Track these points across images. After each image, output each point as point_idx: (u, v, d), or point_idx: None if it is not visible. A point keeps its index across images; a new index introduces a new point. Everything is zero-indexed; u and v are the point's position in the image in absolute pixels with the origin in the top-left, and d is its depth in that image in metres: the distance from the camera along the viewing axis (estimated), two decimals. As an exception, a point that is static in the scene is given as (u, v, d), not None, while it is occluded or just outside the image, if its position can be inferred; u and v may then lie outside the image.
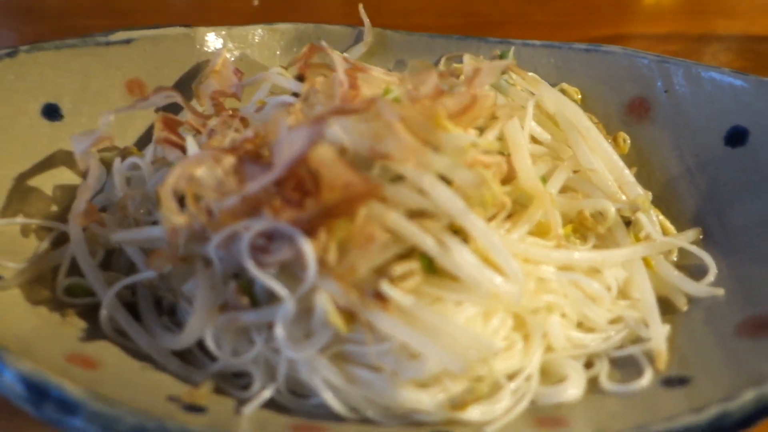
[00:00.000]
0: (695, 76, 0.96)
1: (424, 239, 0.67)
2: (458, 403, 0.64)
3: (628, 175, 0.86)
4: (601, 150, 0.86)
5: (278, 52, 1.04)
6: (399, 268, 0.66)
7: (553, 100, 0.89)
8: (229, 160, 0.70)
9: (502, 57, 1.03)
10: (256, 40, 1.03)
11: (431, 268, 0.69)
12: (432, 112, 0.72)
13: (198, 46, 1.00)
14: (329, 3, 1.57)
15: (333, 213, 0.64)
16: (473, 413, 0.65)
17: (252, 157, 0.72)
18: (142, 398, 0.63)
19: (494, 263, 0.69)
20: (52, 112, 0.89)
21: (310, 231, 0.65)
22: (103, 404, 0.58)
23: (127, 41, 0.96)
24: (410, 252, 0.69)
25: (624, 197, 0.84)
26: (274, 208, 0.65)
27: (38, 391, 0.58)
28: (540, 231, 0.78)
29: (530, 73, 0.93)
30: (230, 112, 0.81)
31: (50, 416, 0.58)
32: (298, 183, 0.67)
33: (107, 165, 0.90)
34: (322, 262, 0.64)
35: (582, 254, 0.75)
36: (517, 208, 0.79)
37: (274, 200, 0.65)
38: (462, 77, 0.76)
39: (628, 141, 0.96)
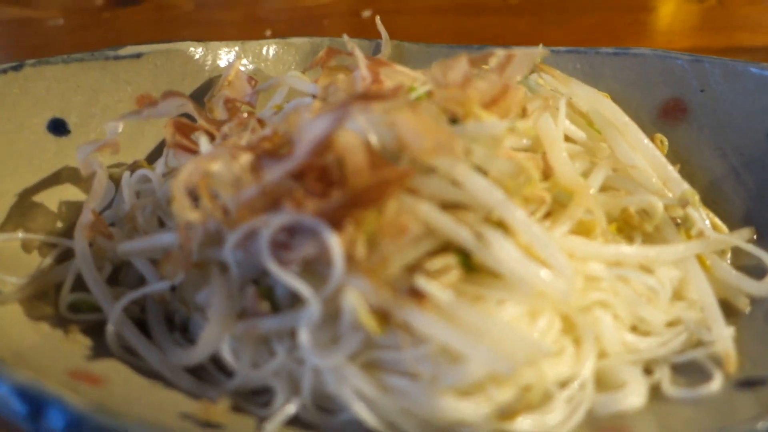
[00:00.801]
0: (733, 73, 0.92)
1: (461, 232, 0.61)
2: (507, 413, 0.57)
3: (672, 171, 0.80)
4: (641, 146, 0.81)
5: (293, 67, 1.00)
6: (435, 263, 0.60)
7: (586, 97, 0.84)
8: (246, 158, 0.65)
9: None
10: (271, 55, 1.00)
11: (468, 264, 0.62)
12: (462, 99, 0.67)
13: (210, 61, 0.97)
14: (338, 22, 1.56)
15: (361, 203, 0.58)
16: (524, 425, 0.58)
17: (270, 154, 0.66)
18: (153, 415, 0.56)
19: (538, 258, 0.62)
20: (58, 127, 0.85)
21: (335, 224, 0.59)
22: (108, 417, 0.51)
23: (137, 56, 0.92)
24: (444, 248, 0.63)
25: (670, 195, 0.78)
26: (296, 199, 0.59)
27: (35, 404, 0.52)
28: (582, 230, 0.72)
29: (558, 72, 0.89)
30: (245, 114, 0.76)
31: (48, 432, 0.51)
32: (322, 173, 0.61)
33: (116, 181, 0.86)
34: (349, 258, 0.58)
35: (633, 250, 0.69)
36: (556, 207, 0.73)
37: (296, 192, 0.60)
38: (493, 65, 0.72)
39: (666, 143, 0.91)
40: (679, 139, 0.93)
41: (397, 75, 0.76)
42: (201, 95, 0.95)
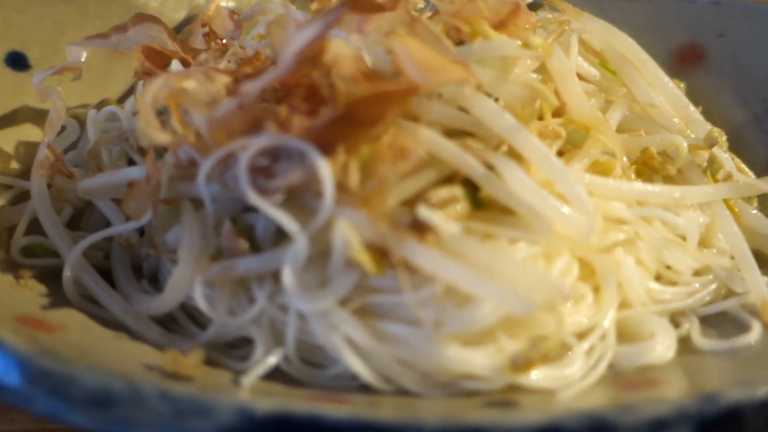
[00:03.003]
0: (755, 15, 0.85)
1: (468, 161, 0.54)
2: (520, 365, 0.50)
3: (694, 111, 0.73)
4: (661, 84, 0.73)
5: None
6: (439, 193, 0.52)
7: (600, 32, 0.76)
8: (223, 79, 0.57)
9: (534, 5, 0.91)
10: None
11: (475, 199, 0.55)
12: (469, 16, 0.59)
13: (188, -3, 0.89)
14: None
15: (356, 121, 0.50)
16: (540, 378, 0.51)
17: (251, 78, 0.59)
18: (111, 364, 0.49)
19: (555, 192, 0.55)
20: (17, 61, 0.77)
21: (325, 147, 0.51)
22: (56, 362, 0.43)
23: (109, -12, 0.84)
24: (448, 180, 0.55)
25: (693, 136, 0.71)
26: (280, 118, 0.51)
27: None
28: (600, 171, 0.64)
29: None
30: (223, 41, 0.68)
31: (-15, 381, 0.43)
32: (310, 92, 0.53)
33: (81, 122, 0.77)
34: (341, 186, 0.51)
35: (657, 189, 0.62)
36: (568, 148, 0.66)
37: (280, 110, 0.52)
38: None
39: (683, 87, 0.84)
40: (697, 87, 0.86)
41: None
42: (178, 33, 0.86)
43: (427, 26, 0.54)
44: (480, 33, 0.59)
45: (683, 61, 0.89)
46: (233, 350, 0.56)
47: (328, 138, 0.51)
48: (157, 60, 0.68)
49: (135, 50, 0.66)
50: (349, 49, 0.52)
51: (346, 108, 0.48)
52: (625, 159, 0.63)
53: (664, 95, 0.73)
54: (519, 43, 0.58)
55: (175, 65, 0.63)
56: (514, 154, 0.56)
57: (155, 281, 0.63)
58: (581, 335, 0.55)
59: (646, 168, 0.68)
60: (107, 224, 0.67)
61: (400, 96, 0.49)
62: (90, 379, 0.43)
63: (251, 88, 0.51)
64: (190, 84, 0.55)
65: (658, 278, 0.61)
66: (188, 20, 0.89)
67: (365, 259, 0.49)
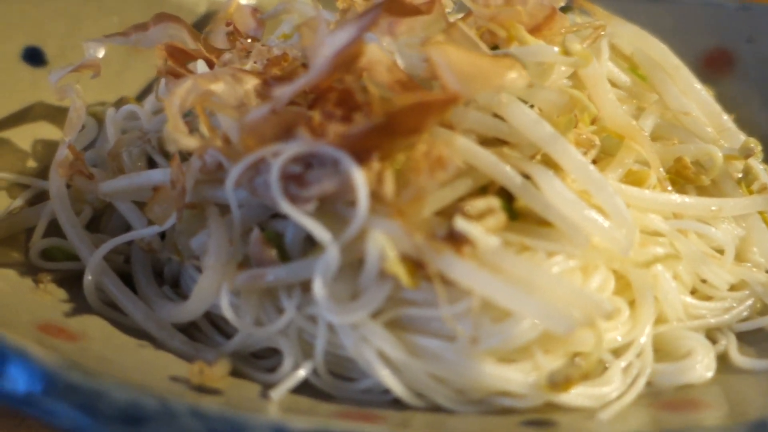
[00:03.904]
0: (787, 21, 0.83)
1: (504, 170, 0.52)
2: (560, 382, 0.48)
3: (728, 120, 0.71)
4: (693, 92, 0.72)
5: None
6: (476, 204, 0.50)
7: (631, 37, 0.75)
8: (252, 81, 0.55)
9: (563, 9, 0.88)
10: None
11: (511, 210, 0.53)
12: (505, 20, 0.57)
13: (208, -7, 0.87)
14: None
15: (395, 131, 0.48)
16: (578, 397, 0.49)
17: (280, 81, 0.57)
18: (138, 376, 0.47)
19: (594, 204, 0.53)
20: (34, 56, 0.75)
21: (359, 156, 0.49)
22: (83, 375, 0.42)
23: (127, -18, 0.82)
24: (482, 191, 0.54)
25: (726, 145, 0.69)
26: (313, 124, 0.50)
27: (-7, 357, 0.42)
28: (633, 180, 0.63)
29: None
30: (248, 41, 0.67)
31: (10, 394, 0.42)
32: (343, 97, 0.52)
33: (99, 120, 0.76)
34: (376, 196, 0.49)
35: (693, 201, 0.60)
36: (601, 156, 0.64)
37: (313, 115, 0.50)
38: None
39: (712, 94, 0.82)
40: (725, 93, 0.85)
41: None
42: (198, 31, 0.84)
43: (465, 31, 0.52)
44: (516, 38, 0.57)
45: (711, 67, 0.87)
46: (259, 360, 0.55)
47: (362, 146, 0.49)
48: (180, 58, 0.66)
49: (158, 48, 0.64)
50: (384, 53, 0.50)
51: (386, 117, 0.47)
52: (660, 166, 0.62)
53: (697, 103, 0.71)
54: (557, 49, 0.56)
55: (201, 66, 0.61)
56: (550, 164, 0.55)
57: (176, 286, 0.62)
58: (617, 352, 0.53)
59: (680, 178, 0.66)
60: (127, 227, 0.65)
61: (441, 106, 0.47)
62: (119, 394, 0.41)
63: (284, 93, 0.49)
64: (218, 86, 0.53)
65: (692, 292, 0.60)
66: (208, 16, 0.87)
67: (401, 272, 0.48)
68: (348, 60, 0.48)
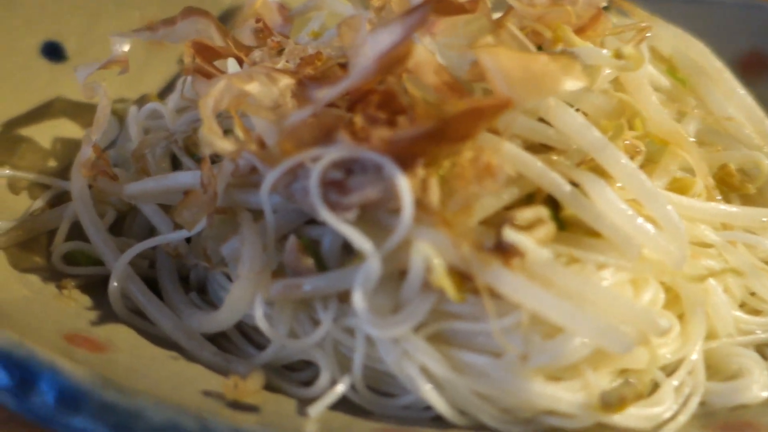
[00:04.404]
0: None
1: (553, 178, 0.50)
2: (614, 403, 0.46)
3: (771, 126, 0.69)
4: (736, 96, 0.69)
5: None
6: (525, 213, 0.48)
7: (671, 38, 0.72)
8: (286, 81, 0.53)
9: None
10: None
11: (558, 220, 0.51)
12: (552, 21, 0.55)
13: (231, -13, 0.85)
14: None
15: (442, 136, 0.46)
16: (630, 417, 0.47)
17: (315, 80, 0.54)
18: (170, 391, 0.45)
19: (645, 214, 0.51)
20: (53, 52, 0.72)
21: (403, 162, 0.47)
22: (118, 394, 0.40)
23: (148, -24, 0.80)
24: (527, 200, 0.52)
25: (772, 152, 0.67)
26: (355, 128, 0.47)
27: (23, 373, 0.40)
28: (677, 188, 0.60)
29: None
30: (278, 38, 0.64)
31: (41, 411, 0.40)
32: (385, 99, 0.49)
33: (120, 118, 0.73)
34: (419, 204, 0.47)
35: (742, 211, 0.58)
36: (645, 163, 0.61)
37: (356, 119, 0.48)
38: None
39: (751, 99, 0.80)
40: (763, 97, 0.82)
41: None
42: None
43: (514, 33, 0.50)
44: (562, 39, 0.55)
45: (748, 70, 0.85)
46: (292, 373, 0.53)
47: (407, 151, 0.47)
48: (208, 56, 0.63)
49: (185, 45, 0.62)
50: (430, 55, 0.48)
51: (437, 123, 0.44)
52: (708, 174, 0.60)
53: (740, 108, 0.69)
54: (607, 51, 0.53)
55: (232, 65, 0.58)
56: (598, 171, 0.53)
57: (203, 292, 0.60)
58: (667, 369, 0.51)
59: (724, 186, 0.64)
60: (151, 230, 0.63)
61: (493, 112, 0.45)
62: (156, 413, 0.39)
63: (325, 96, 0.47)
64: (252, 87, 0.51)
65: (741, 306, 0.58)
66: (231, 11, 0.84)
67: (448, 285, 0.46)
68: (395, 61, 0.46)
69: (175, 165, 0.67)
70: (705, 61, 0.71)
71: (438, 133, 0.45)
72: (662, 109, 0.61)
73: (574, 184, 0.51)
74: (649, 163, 0.61)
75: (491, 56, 0.47)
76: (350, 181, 0.47)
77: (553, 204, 0.51)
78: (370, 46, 0.49)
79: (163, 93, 0.79)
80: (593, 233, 0.51)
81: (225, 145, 0.48)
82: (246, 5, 0.81)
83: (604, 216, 0.50)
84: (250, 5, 0.79)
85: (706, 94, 0.69)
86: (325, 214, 0.47)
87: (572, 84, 0.47)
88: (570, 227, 0.51)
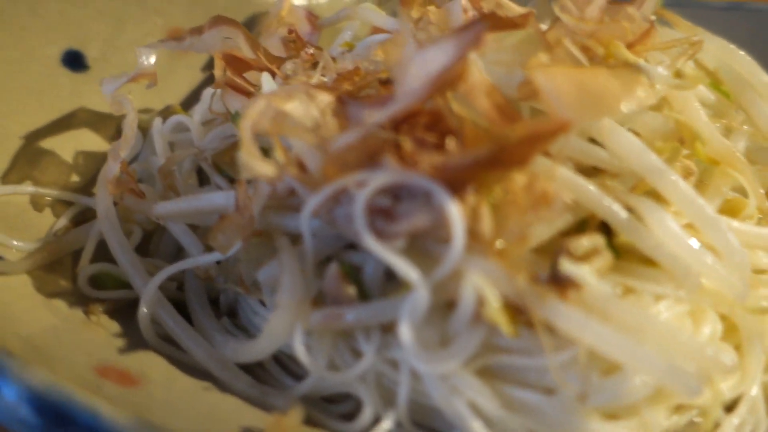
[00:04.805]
0: None
1: (609, 204, 0.47)
2: (673, 443, 0.44)
3: (823, 145, 0.66)
4: (786, 112, 0.67)
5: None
6: (581, 242, 0.46)
7: (716, 50, 0.69)
8: (325, 98, 0.50)
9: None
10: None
11: (612, 247, 0.49)
12: (604, 37, 0.52)
13: (257, -8, 0.82)
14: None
15: (497, 163, 0.43)
16: (691, 459, 0.45)
17: (355, 97, 0.52)
18: (208, 429, 0.42)
19: (704, 242, 0.49)
20: (74, 61, 0.70)
21: (453, 188, 0.44)
22: (157, 438, 0.37)
23: (171, -19, 0.77)
24: (582, 224, 0.49)
25: (822, 172, 0.64)
26: (402, 152, 0.45)
27: (56, 415, 0.37)
28: (728, 210, 0.58)
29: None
30: (312, 50, 0.62)
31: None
32: (433, 120, 0.47)
33: (143, 129, 0.71)
34: (470, 233, 0.44)
35: (801, 236, 0.55)
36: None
37: (404, 142, 0.45)
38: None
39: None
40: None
41: (503, 10, 0.62)
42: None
43: (570, 50, 0.47)
44: (614, 55, 0.52)
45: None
46: (331, 405, 0.50)
47: (458, 177, 0.44)
48: (238, 67, 0.61)
49: (216, 57, 0.60)
50: (483, 75, 0.45)
51: (494, 150, 0.42)
52: (762, 195, 0.57)
53: (789, 124, 0.66)
54: (662, 69, 0.51)
55: (267, 82, 0.55)
56: (653, 195, 0.50)
57: (233, 315, 0.57)
58: (727, 405, 0.49)
59: (773, 208, 0.61)
60: (179, 249, 0.61)
61: (549, 137, 0.42)
62: (199, 460, 0.37)
63: (374, 119, 0.44)
64: (292, 106, 0.48)
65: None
66: (255, 17, 0.82)
67: (502, 321, 0.43)
68: (448, 83, 0.43)
69: (202, 180, 0.65)
70: (752, 74, 0.68)
71: (493, 159, 0.42)
72: (713, 128, 0.59)
73: (628, 210, 0.48)
74: (699, 184, 0.59)
75: (546, 76, 0.45)
76: (398, 208, 0.45)
77: (605, 230, 0.49)
78: (419, 65, 0.46)
79: (187, 101, 0.77)
80: (648, 262, 0.49)
81: (266, 170, 0.45)
82: (272, 12, 0.78)
83: (662, 244, 0.47)
84: (277, 12, 0.77)
85: (752, 109, 0.66)
86: (371, 243, 0.45)
87: (636, 102, 0.44)
88: (624, 255, 0.49)
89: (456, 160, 0.43)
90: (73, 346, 0.47)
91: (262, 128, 0.47)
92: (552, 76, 0.44)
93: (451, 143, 0.45)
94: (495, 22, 0.47)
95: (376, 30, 0.75)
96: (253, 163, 0.45)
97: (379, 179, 0.45)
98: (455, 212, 0.44)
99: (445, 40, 0.46)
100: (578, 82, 0.44)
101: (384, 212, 0.45)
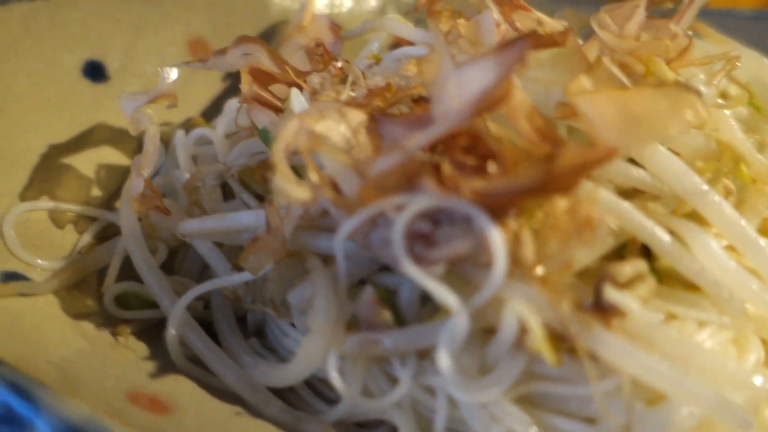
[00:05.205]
0: None
1: (653, 229, 0.46)
2: (721, 476, 0.43)
3: None
4: (819, 126, 0.65)
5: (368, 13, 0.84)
6: (625, 269, 0.44)
7: (749, 64, 0.68)
8: (358, 118, 0.49)
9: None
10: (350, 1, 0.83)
11: (654, 271, 0.47)
12: (643, 55, 0.51)
13: (277, 1, 0.80)
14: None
15: (543, 189, 0.42)
16: (737, 492, 0.44)
17: (387, 114, 0.51)
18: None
19: (747, 266, 0.47)
20: (95, 71, 0.69)
21: (494, 213, 0.43)
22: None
23: (191, -11, 0.76)
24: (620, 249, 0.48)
25: None
26: (442, 175, 0.44)
27: (95, 452, 0.36)
28: (764, 230, 0.57)
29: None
30: (339, 64, 0.60)
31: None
32: (472, 142, 0.46)
33: (164, 142, 0.70)
34: (513, 259, 0.43)
35: None
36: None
37: (443, 165, 0.44)
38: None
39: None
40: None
41: (533, 23, 0.60)
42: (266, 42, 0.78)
43: (611, 70, 0.46)
44: (654, 73, 0.51)
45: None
46: (365, 431, 0.49)
47: (499, 201, 0.43)
48: (264, 81, 0.60)
49: (242, 71, 0.58)
50: (525, 96, 0.44)
51: (542, 178, 0.40)
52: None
53: (823, 139, 0.65)
54: (706, 88, 0.50)
55: (296, 98, 0.54)
56: (695, 217, 0.49)
57: (260, 335, 0.56)
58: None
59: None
60: (204, 266, 0.60)
61: (596, 164, 0.41)
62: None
63: (416, 143, 0.43)
64: (325, 126, 0.47)
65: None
66: (276, 26, 0.81)
67: (547, 350, 0.42)
68: (491, 104, 0.42)
69: (226, 194, 0.64)
70: (785, 87, 0.67)
71: (539, 187, 0.41)
72: (749, 145, 0.57)
73: (670, 233, 0.47)
74: (738, 204, 0.57)
75: (590, 103, 0.43)
76: (437, 233, 0.44)
77: (646, 253, 0.48)
78: (457, 85, 0.45)
79: (208, 111, 0.75)
80: (690, 286, 0.48)
81: (302, 195, 0.44)
82: (293, 20, 0.77)
83: (705, 269, 0.46)
84: (298, 21, 0.76)
85: (785, 123, 0.65)
86: (411, 269, 0.43)
87: (685, 125, 0.43)
88: (665, 279, 0.48)
89: (499, 186, 0.42)
90: (103, 371, 0.46)
91: (295, 148, 0.46)
92: (596, 103, 0.43)
93: (492, 167, 0.44)
94: (535, 39, 0.46)
95: (399, 40, 0.74)
96: (288, 188, 0.44)
97: (418, 203, 0.44)
98: (497, 238, 0.42)
99: (485, 59, 0.44)
100: (623, 106, 0.43)
101: (423, 237, 0.44)
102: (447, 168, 0.44)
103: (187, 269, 0.60)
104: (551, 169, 0.41)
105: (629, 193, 0.50)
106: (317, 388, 0.51)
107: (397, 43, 0.78)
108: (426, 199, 0.44)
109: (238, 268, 0.54)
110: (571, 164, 0.40)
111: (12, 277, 0.51)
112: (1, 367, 0.39)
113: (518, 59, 0.42)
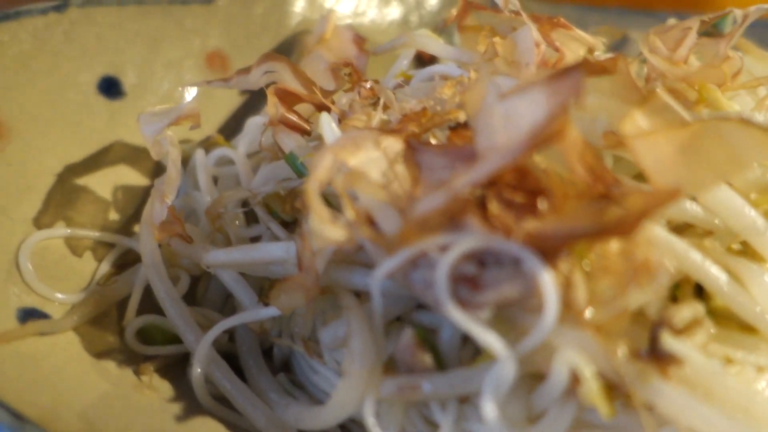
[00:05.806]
0: None
1: (711, 270, 0.44)
2: None
3: None
4: None
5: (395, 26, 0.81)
6: (682, 313, 0.42)
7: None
8: (394, 146, 0.46)
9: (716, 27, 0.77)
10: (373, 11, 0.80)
11: (709, 312, 0.45)
12: (696, 80, 0.48)
13: (298, 11, 0.77)
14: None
15: (599, 233, 0.39)
16: None
17: (423, 142, 0.48)
18: None
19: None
20: (111, 87, 0.66)
21: (544, 254, 0.41)
22: None
23: (209, 1, 0.73)
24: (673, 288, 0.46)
25: None
26: (489, 214, 0.41)
27: None
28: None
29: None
30: (369, 84, 0.58)
31: None
32: (519, 178, 0.43)
33: (183, 160, 0.67)
34: (565, 303, 0.41)
35: None
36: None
37: (490, 204, 0.42)
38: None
39: None
40: None
41: (573, 41, 0.58)
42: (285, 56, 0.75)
43: (666, 102, 0.43)
44: (707, 100, 0.49)
45: None
46: (400, 477, 0.47)
47: (551, 243, 0.41)
48: (290, 101, 0.57)
49: (269, 93, 0.55)
50: (578, 131, 0.41)
51: (598, 223, 0.38)
52: None
53: None
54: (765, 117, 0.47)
55: (327, 125, 0.51)
56: (750, 254, 0.47)
57: (287, 369, 0.54)
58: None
59: None
60: (228, 296, 0.57)
61: (657, 209, 0.38)
62: None
63: (464, 182, 0.40)
64: (360, 158, 0.44)
65: None
66: (296, 37, 0.78)
67: (601, 402, 0.40)
68: (546, 141, 0.40)
69: (248, 217, 0.61)
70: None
71: (597, 231, 0.39)
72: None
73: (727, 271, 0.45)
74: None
75: (647, 145, 0.41)
76: (484, 276, 0.41)
77: (699, 292, 0.46)
78: (504, 117, 0.42)
79: (227, 126, 0.73)
80: (747, 328, 0.45)
81: (338, 235, 0.42)
82: (315, 32, 0.74)
83: (765, 310, 0.44)
84: (320, 33, 0.73)
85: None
86: (455, 313, 0.41)
87: (752, 163, 0.41)
88: (721, 321, 0.45)
89: (553, 229, 0.39)
90: (127, 417, 0.44)
91: (329, 185, 0.43)
92: (654, 145, 0.40)
93: (542, 205, 0.42)
94: (587, 67, 0.43)
95: (423, 53, 0.71)
96: (323, 228, 0.42)
97: (464, 244, 0.41)
98: (549, 282, 0.40)
99: (536, 89, 0.42)
100: (684, 148, 0.40)
101: (468, 280, 0.41)
102: (494, 207, 0.41)
103: (210, 299, 0.57)
104: (608, 211, 0.38)
105: (680, 228, 0.47)
106: (351, 430, 0.49)
107: (420, 56, 0.75)
108: (472, 239, 0.41)
109: (263, 299, 0.52)
110: (632, 208, 0.38)
111: (30, 314, 0.48)
112: (26, 428, 0.36)
113: (573, 91, 0.40)
